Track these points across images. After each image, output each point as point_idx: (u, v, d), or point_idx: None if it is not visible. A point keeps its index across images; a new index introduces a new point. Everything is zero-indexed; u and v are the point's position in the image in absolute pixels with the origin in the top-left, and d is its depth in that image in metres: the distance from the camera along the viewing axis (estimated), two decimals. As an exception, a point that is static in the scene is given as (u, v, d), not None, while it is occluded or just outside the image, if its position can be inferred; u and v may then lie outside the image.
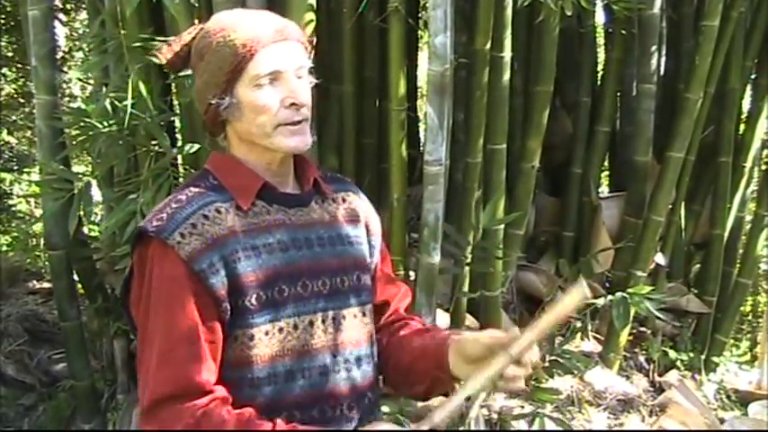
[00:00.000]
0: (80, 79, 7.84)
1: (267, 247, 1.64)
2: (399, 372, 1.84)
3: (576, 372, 3.78)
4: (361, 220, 1.84)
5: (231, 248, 1.60)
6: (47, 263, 6.35)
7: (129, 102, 2.90)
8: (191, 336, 1.56)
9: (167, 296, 1.57)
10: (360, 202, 1.86)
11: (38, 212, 8.23)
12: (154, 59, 3.08)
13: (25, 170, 7.83)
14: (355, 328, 1.75)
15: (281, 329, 1.63)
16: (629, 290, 3.22)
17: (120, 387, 4.16)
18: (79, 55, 8.23)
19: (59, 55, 6.26)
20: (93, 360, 4.27)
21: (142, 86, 2.94)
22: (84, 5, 6.23)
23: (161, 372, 1.56)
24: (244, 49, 1.61)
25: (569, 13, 3.21)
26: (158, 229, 1.58)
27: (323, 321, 1.69)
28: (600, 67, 5.21)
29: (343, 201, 1.83)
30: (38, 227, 7.90)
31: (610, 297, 3.20)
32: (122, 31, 3.01)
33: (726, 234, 4.93)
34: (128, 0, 3.03)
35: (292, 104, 1.63)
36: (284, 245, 1.67)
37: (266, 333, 1.62)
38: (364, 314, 1.79)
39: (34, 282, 6.19)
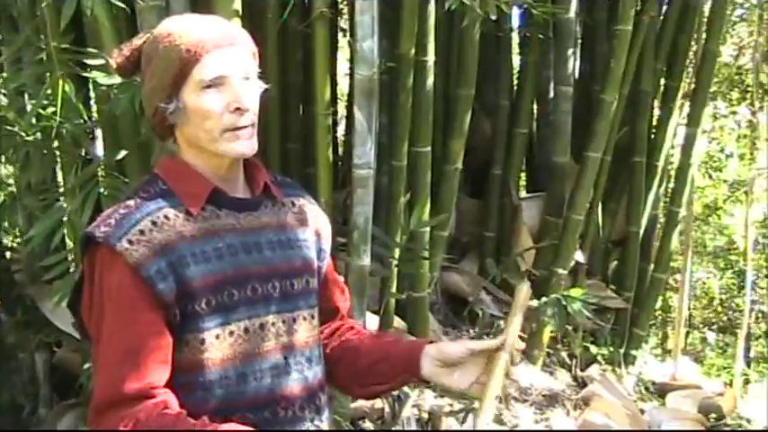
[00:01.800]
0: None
1: (217, 251, 1.63)
2: (352, 373, 1.86)
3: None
4: (310, 225, 1.84)
5: (180, 254, 1.59)
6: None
7: (57, 109, 2.84)
8: (135, 343, 1.54)
9: (115, 303, 1.56)
10: (310, 207, 1.86)
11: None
12: (77, 68, 3.07)
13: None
14: (305, 331, 1.75)
15: (231, 333, 1.63)
16: (563, 292, 3.28)
17: (43, 401, 4.07)
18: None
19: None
20: (13, 375, 4.16)
21: (71, 94, 2.87)
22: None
23: (102, 379, 1.55)
24: (188, 53, 1.60)
25: (494, 18, 3.26)
26: (106, 236, 1.56)
27: (273, 324, 1.69)
28: (516, 70, 5.31)
29: (293, 205, 1.82)
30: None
31: (544, 299, 3.26)
32: (51, 41, 2.94)
33: (641, 231, 5.08)
34: (50, 8, 2.97)
35: (237, 109, 1.62)
36: (234, 249, 1.66)
37: (217, 337, 1.61)
38: (313, 317, 1.79)
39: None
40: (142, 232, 1.57)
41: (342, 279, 2.03)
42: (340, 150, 5.45)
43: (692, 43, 5.06)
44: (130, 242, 1.55)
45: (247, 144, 1.65)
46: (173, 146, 1.73)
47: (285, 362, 1.70)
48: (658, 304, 6.70)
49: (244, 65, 1.65)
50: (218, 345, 1.61)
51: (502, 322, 4.26)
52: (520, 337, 3.31)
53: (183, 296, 1.58)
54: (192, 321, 1.59)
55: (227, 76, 1.62)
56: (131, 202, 1.62)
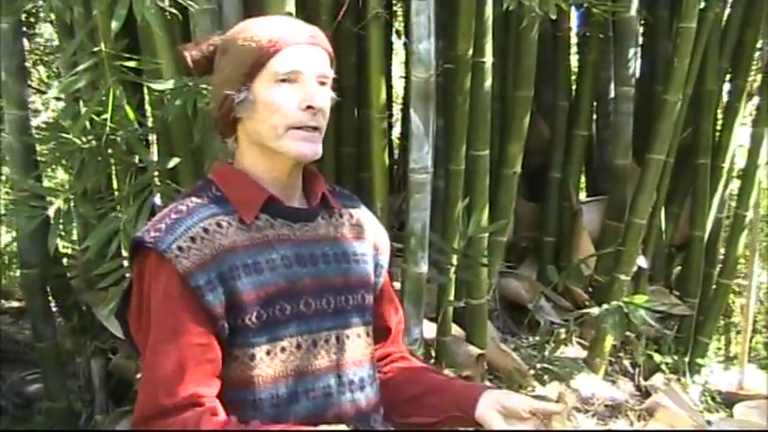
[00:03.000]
0: (40, 91, 7.72)
1: (270, 263, 1.58)
2: (396, 400, 1.79)
3: (565, 378, 3.74)
4: (367, 238, 1.78)
5: (230, 264, 1.53)
6: (13, 281, 6.23)
7: (108, 116, 2.81)
8: (182, 353, 1.49)
9: (162, 311, 1.51)
10: (368, 219, 1.80)
11: (3, 229, 8.06)
12: (130, 74, 3.04)
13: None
14: (359, 349, 1.69)
15: (282, 349, 1.57)
16: (624, 299, 3.17)
17: (99, 407, 4.05)
18: (42, 69, 8.11)
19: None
20: (69, 380, 4.16)
21: (123, 99, 2.84)
22: (49, 19, 6.11)
23: (147, 390, 1.51)
24: (269, 43, 1.57)
25: (554, 17, 3.17)
26: (155, 241, 1.51)
27: (326, 341, 1.63)
28: (574, 70, 5.19)
29: (351, 217, 1.77)
30: (2, 243, 7.74)
31: (605, 307, 3.16)
32: (103, 47, 2.91)
33: (706, 235, 4.93)
34: (103, 14, 2.94)
35: (309, 107, 1.57)
36: (287, 261, 1.60)
37: (267, 353, 1.55)
38: (368, 334, 1.73)
39: (2, 301, 6.04)
40: (193, 239, 1.52)
41: (397, 299, 1.95)
42: (395, 153, 5.38)
43: (759, 40, 4.87)
44: (180, 249, 1.50)
45: (310, 147, 1.59)
46: (233, 145, 1.67)
47: (338, 381, 1.63)
48: (720, 308, 6.52)
49: (321, 66, 1.61)
50: (268, 361, 1.55)
51: (563, 331, 4.17)
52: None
53: (232, 309, 1.53)
54: (241, 335, 1.54)
55: (302, 73, 1.57)
56: (183, 207, 1.57)
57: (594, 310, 3.25)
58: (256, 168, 1.63)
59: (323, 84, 1.61)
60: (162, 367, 1.49)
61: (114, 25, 2.73)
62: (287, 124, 1.57)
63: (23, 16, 5.92)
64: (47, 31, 7.65)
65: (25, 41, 7.00)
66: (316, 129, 1.59)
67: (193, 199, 1.60)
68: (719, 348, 6.90)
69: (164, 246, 1.50)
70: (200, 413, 1.48)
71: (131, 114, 2.92)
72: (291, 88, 1.57)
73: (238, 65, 1.58)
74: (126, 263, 3.02)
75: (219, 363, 1.53)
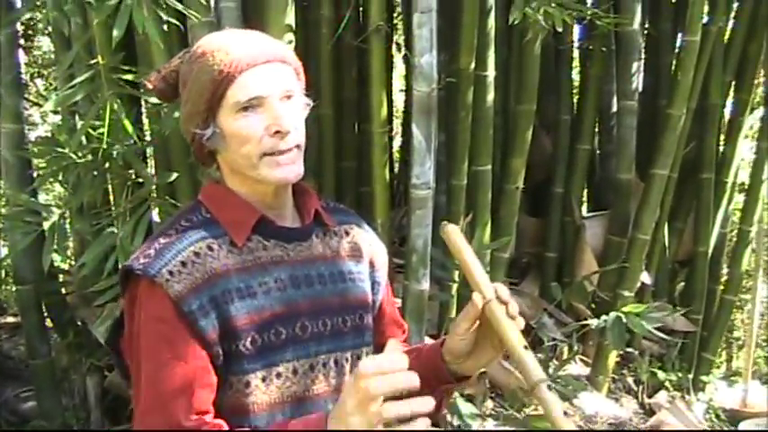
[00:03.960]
0: (37, 104, 7.68)
1: (263, 286, 1.51)
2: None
3: (569, 396, 3.68)
4: (364, 255, 1.70)
5: (223, 288, 1.47)
6: (8, 296, 6.17)
7: (105, 130, 2.76)
8: (185, 375, 1.42)
9: (156, 338, 1.44)
10: (364, 235, 1.73)
11: (-1, 243, 8.01)
12: (127, 87, 3.00)
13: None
14: None
15: (278, 375, 1.50)
16: (624, 309, 3.12)
17: (94, 424, 4.00)
18: (39, 82, 8.08)
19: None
20: (64, 397, 4.10)
21: (121, 113, 2.79)
22: (46, 32, 6.08)
23: (148, 418, 1.43)
24: (221, 74, 1.47)
25: (559, 30, 3.13)
26: (145, 267, 1.44)
27: (324, 365, 1.56)
28: (576, 84, 5.15)
29: (347, 234, 1.69)
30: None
31: (604, 318, 3.10)
32: (101, 59, 2.86)
33: (710, 251, 4.88)
34: (101, 25, 2.90)
35: (277, 132, 1.48)
36: (282, 284, 1.53)
37: (263, 379, 1.49)
38: (368, 355, 1.65)
39: (-3, 316, 5.98)
40: (184, 264, 1.45)
41: (399, 316, 1.87)
42: (395, 168, 5.34)
43: (762, 54, 4.83)
44: (171, 273, 1.43)
45: (290, 169, 1.51)
46: (215, 173, 1.60)
47: None
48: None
49: (283, 83, 1.51)
50: (264, 388, 1.49)
51: (565, 348, 4.11)
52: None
53: (226, 334, 1.46)
54: (235, 362, 1.47)
55: (264, 97, 1.48)
56: (172, 232, 1.50)
57: (594, 322, 3.18)
58: (243, 192, 1.56)
59: (289, 98, 1.52)
60: (160, 396, 1.42)
61: (116, 34, 2.69)
62: (259, 153, 1.49)
63: (21, 29, 5.90)
64: (45, 43, 7.62)
65: (23, 54, 6.98)
66: (290, 149, 1.52)
67: (182, 222, 1.53)
68: (721, 363, 6.84)
69: (153, 271, 1.43)
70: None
71: (129, 128, 2.87)
72: (256, 115, 1.48)
73: (197, 100, 1.50)
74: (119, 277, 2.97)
75: (215, 390, 1.47)
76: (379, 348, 1.70)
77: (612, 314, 3.22)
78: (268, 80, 1.49)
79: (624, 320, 3.17)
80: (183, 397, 1.42)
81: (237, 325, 1.46)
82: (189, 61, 1.54)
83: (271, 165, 1.50)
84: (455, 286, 3.63)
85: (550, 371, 3.37)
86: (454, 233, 1.54)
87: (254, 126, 1.48)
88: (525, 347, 1.44)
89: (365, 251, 1.71)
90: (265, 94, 1.48)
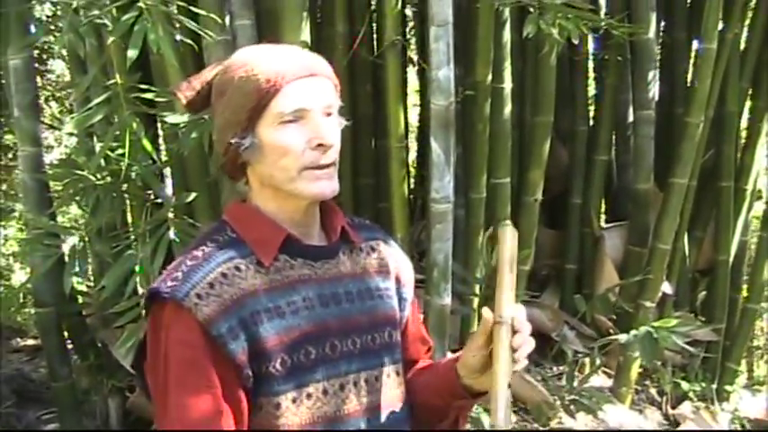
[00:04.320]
0: (53, 127, 7.71)
1: (292, 305, 1.49)
2: (417, 416, 1.69)
3: (594, 409, 3.64)
4: (391, 271, 1.69)
5: (252, 310, 1.45)
6: (27, 319, 6.18)
7: (125, 151, 2.76)
8: (208, 407, 1.41)
9: (183, 364, 1.42)
10: (390, 251, 1.71)
11: (16, 266, 8.03)
12: (144, 107, 3.00)
13: (1, 223, 7.63)
14: (389, 390, 1.60)
15: (309, 396, 1.48)
16: (654, 324, 3.08)
17: (116, 447, 3.99)
18: (54, 105, 8.11)
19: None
20: (86, 419, 4.09)
21: (139, 133, 2.79)
22: (60, 55, 6.11)
23: None
24: (267, 84, 1.46)
25: (576, 41, 3.11)
26: (173, 290, 1.42)
27: (355, 384, 1.54)
28: (591, 94, 5.13)
29: (373, 250, 1.68)
30: (16, 281, 7.70)
31: (633, 332, 3.06)
32: (117, 80, 2.86)
33: (731, 259, 4.83)
34: (117, 45, 2.90)
35: (319, 145, 1.48)
36: (310, 303, 1.52)
37: (293, 401, 1.47)
38: (398, 373, 1.64)
39: (17, 339, 5.98)
40: (212, 285, 1.43)
41: (425, 331, 1.85)
42: (411, 183, 5.32)
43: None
44: (199, 296, 1.41)
45: (328, 185, 1.50)
46: (243, 187, 1.59)
47: (369, 425, 1.54)
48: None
49: (326, 98, 1.50)
50: (294, 409, 1.46)
51: (587, 360, 4.07)
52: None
53: (255, 356, 1.44)
54: (265, 384, 1.45)
55: (308, 110, 1.47)
56: (199, 253, 1.48)
57: (622, 337, 3.14)
58: (271, 208, 1.55)
59: (329, 114, 1.52)
60: (195, 417, 1.40)
61: (130, 54, 2.68)
62: (299, 166, 1.48)
63: (36, 52, 5.94)
64: (59, 66, 7.66)
65: (37, 77, 7.01)
66: (329, 165, 1.51)
67: (208, 243, 1.51)
68: (741, 372, 6.78)
69: (181, 294, 1.42)
70: None
71: (149, 147, 2.87)
72: (298, 128, 1.48)
73: (237, 109, 1.49)
74: (143, 301, 2.96)
75: (246, 414, 1.45)
76: (405, 365, 1.69)
77: (643, 329, 3.18)
78: (312, 93, 1.49)
79: (655, 335, 3.14)
80: (212, 424, 1.40)
81: (267, 346, 1.44)
82: (228, 70, 1.53)
83: (310, 179, 1.49)
84: (476, 300, 3.60)
85: (574, 384, 3.32)
86: (513, 236, 1.53)
87: (296, 139, 1.47)
88: (509, 386, 1.44)
89: (392, 267, 1.69)
90: (309, 107, 1.48)
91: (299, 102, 1.47)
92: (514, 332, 1.47)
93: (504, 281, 1.50)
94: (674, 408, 4.48)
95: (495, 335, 1.47)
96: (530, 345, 1.49)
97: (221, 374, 1.42)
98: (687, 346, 3.38)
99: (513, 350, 1.46)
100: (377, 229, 1.75)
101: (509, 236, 1.53)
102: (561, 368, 4.17)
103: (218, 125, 1.54)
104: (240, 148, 1.49)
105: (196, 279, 1.44)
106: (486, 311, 1.50)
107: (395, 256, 1.71)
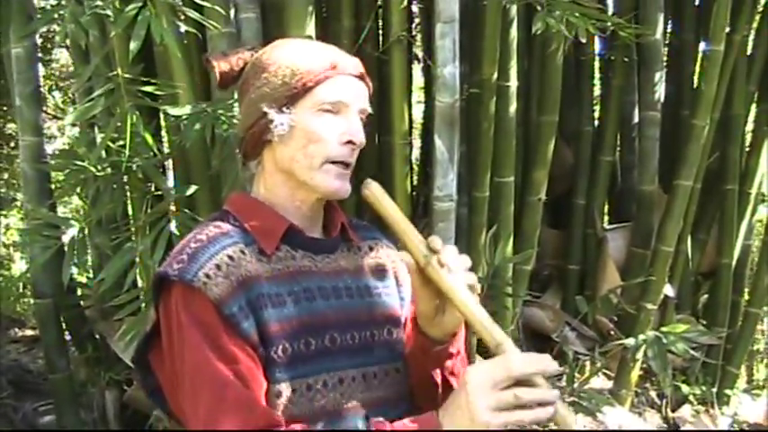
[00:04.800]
0: (56, 117, 7.69)
1: (292, 295, 1.48)
2: (416, 400, 1.65)
3: (594, 411, 3.62)
4: (389, 271, 1.68)
5: (258, 293, 1.44)
6: (26, 309, 6.16)
7: (126, 143, 2.73)
8: (237, 382, 1.39)
9: (203, 343, 1.40)
10: (388, 252, 1.71)
11: (17, 256, 8.01)
12: (147, 99, 2.97)
13: (2, 213, 7.62)
14: (388, 387, 1.58)
15: (309, 387, 1.47)
16: (663, 329, 3.05)
17: (113, 440, 3.97)
18: (57, 95, 8.09)
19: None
20: (83, 412, 4.07)
21: (140, 126, 2.76)
22: (63, 44, 6.08)
23: (225, 415, 1.37)
24: (320, 68, 1.49)
25: (584, 41, 3.08)
26: (181, 272, 1.41)
27: (353, 379, 1.53)
28: (597, 95, 5.11)
29: (371, 249, 1.68)
30: (16, 271, 7.69)
31: (642, 337, 3.03)
32: (120, 72, 2.84)
33: (733, 263, 4.81)
34: (120, 37, 2.88)
35: (349, 142, 1.50)
36: (311, 294, 1.51)
37: (293, 390, 1.45)
38: (398, 371, 1.62)
39: (15, 329, 5.96)
40: (218, 267, 1.42)
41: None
42: (414, 180, 5.29)
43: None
44: (208, 276, 1.40)
45: (343, 185, 1.53)
46: (256, 167, 1.58)
47: (366, 422, 1.52)
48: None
49: (364, 101, 1.55)
50: (295, 399, 1.45)
51: (587, 361, 4.05)
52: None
53: (261, 339, 1.43)
54: (268, 370, 1.43)
55: (348, 105, 1.50)
56: (203, 237, 1.48)
57: (630, 341, 3.12)
58: (277, 196, 1.55)
59: (362, 117, 1.54)
60: (225, 396, 1.38)
61: (133, 46, 2.66)
62: (325, 157, 1.49)
63: (39, 41, 5.91)
64: (63, 56, 7.64)
65: (41, 67, 6.99)
66: (348, 165, 1.52)
67: (212, 228, 1.51)
68: (742, 375, 6.76)
69: (190, 275, 1.41)
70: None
71: (150, 140, 2.84)
72: (334, 119, 1.50)
73: (281, 85, 1.50)
74: (142, 294, 2.94)
75: (265, 390, 1.43)
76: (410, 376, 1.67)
77: (651, 333, 3.15)
78: (356, 91, 1.53)
79: (664, 340, 3.11)
80: (246, 390, 1.39)
81: (270, 331, 1.43)
82: (276, 48, 1.56)
83: (330, 173, 1.50)
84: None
85: (574, 385, 3.30)
86: (378, 191, 1.53)
87: (331, 129, 1.49)
88: (478, 306, 1.43)
89: (390, 267, 1.69)
90: (350, 103, 1.51)
91: (343, 95, 1.50)
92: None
93: (403, 229, 1.50)
94: (673, 411, 4.46)
95: (431, 276, 1.46)
96: (466, 262, 1.47)
97: (240, 352, 1.40)
98: (694, 353, 3.33)
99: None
100: (374, 230, 1.74)
101: (379, 190, 1.53)
102: (561, 369, 4.14)
103: (252, 99, 1.53)
104: (272, 123, 1.50)
105: (203, 260, 1.43)
106: (404, 255, 1.49)
107: (392, 257, 1.70)
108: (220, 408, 1.38)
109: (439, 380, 1.60)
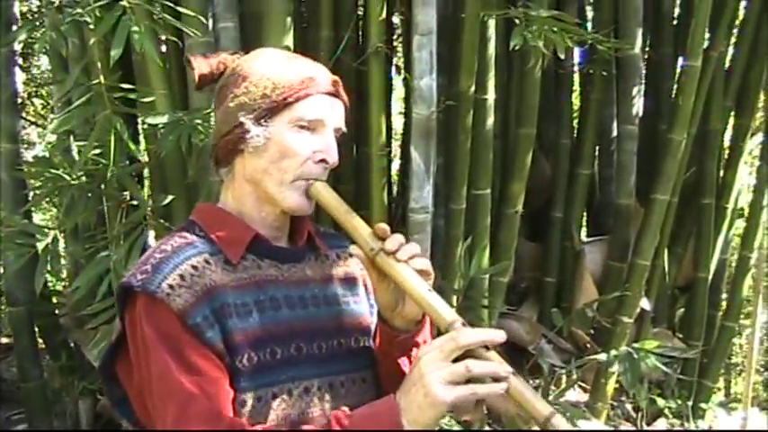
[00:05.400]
0: (36, 124, 7.65)
1: (258, 304, 1.48)
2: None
3: (570, 425, 3.62)
4: (359, 279, 1.68)
5: (222, 302, 1.44)
6: (2, 316, 6.11)
7: (106, 151, 2.72)
8: (204, 384, 1.38)
9: (166, 354, 1.39)
10: (357, 260, 1.69)
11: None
12: (124, 107, 2.96)
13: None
14: (354, 396, 1.57)
15: (274, 396, 1.46)
16: (635, 345, 3.06)
17: (86, 450, 3.94)
18: (38, 102, 8.06)
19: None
20: (56, 421, 4.04)
21: (123, 134, 2.76)
22: (44, 51, 6.06)
23: (191, 425, 1.37)
24: (300, 85, 1.49)
25: (562, 56, 3.10)
26: (144, 283, 1.41)
27: (319, 389, 1.52)
28: (576, 108, 5.13)
29: (338, 258, 1.67)
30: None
31: (614, 352, 3.04)
32: (100, 80, 2.83)
33: (710, 277, 4.84)
34: (99, 44, 2.87)
35: (322, 161, 1.50)
36: (276, 303, 1.51)
37: (258, 399, 1.45)
38: (364, 380, 1.61)
39: (-11, 337, 5.92)
40: (182, 277, 1.42)
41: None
42: (393, 191, 5.30)
43: (763, 79, 4.80)
44: (171, 287, 1.40)
45: (307, 202, 1.52)
46: (225, 176, 1.58)
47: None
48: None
49: (340, 119, 1.54)
50: (259, 408, 1.44)
51: (564, 374, 4.06)
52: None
53: (227, 348, 1.42)
54: (233, 379, 1.43)
55: (325, 124, 1.51)
56: (168, 247, 1.48)
57: (602, 356, 3.12)
58: (244, 205, 1.55)
59: (336, 136, 1.55)
60: (191, 405, 1.37)
61: (113, 53, 2.65)
62: (297, 173, 1.49)
63: (19, 47, 5.88)
64: (44, 61, 7.61)
65: (21, 73, 6.96)
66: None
67: (177, 239, 1.51)
68: (719, 389, 6.79)
69: (153, 287, 1.40)
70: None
71: (132, 147, 2.84)
72: (310, 137, 1.50)
73: (260, 97, 1.50)
74: (116, 303, 2.93)
75: (231, 400, 1.42)
76: (379, 371, 1.66)
77: (623, 349, 3.16)
78: (333, 110, 1.52)
79: (635, 356, 3.11)
80: (214, 405, 1.38)
81: (235, 340, 1.43)
82: (256, 61, 1.55)
83: (299, 190, 1.50)
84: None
85: (550, 398, 3.30)
86: (325, 189, 1.52)
87: (306, 146, 1.49)
88: (429, 290, 1.43)
89: (359, 275, 1.69)
90: (327, 121, 1.51)
91: (321, 113, 1.50)
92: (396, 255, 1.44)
93: (351, 222, 1.49)
94: (648, 424, 4.48)
95: (381, 266, 1.46)
96: (413, 248, 1.47)
97: (205, 362, 1.40)
98: (664, 368, 3.34)
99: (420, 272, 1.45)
100: (342, 239, 1.72)
101: (324, 189, 1.52)
102: (537, 381, 4.15)
103: (230, 107, 1.53)
104: (247, 133, 1.50)
105: (167, 271, 1.43)
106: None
107: (360, 265, 1.69)
108: (186, 418, 1.37)
109: (407, 369, 1.59)
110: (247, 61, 1.56)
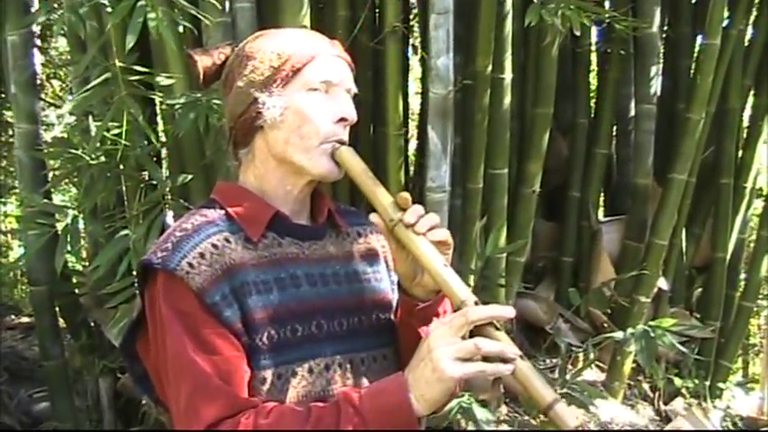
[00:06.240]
0: (54, 105, 7.68)
1: (279, 282, 1.49)
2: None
3: (585, 403, 3.63)
4: (380, 256, 1.69)
5: (242, 280, 1.45)
6: (24, 296, 6.17)
7: (122, 131, 2.74)
8: (220, 363, 1.40)
9: (183, 332, 1.41)
10: (377, 237, 1.70)
11: (14, 243, 8.02)
12: (142, 88, 2.98)
13: (0, 200, 7.62)
14: (376, 373, 1.57)
15: (294, 373, 1.47)
16: (651, 323, 3.06)
17: (107, 426, 4.00)
18: (56, 83, 8.07)
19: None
20: (77, 399, 4.08)
21: (139, 115, 2.77)
22: (62, 32, 6.08)
23: (204, 404, 1.39)
24: (303, 50, 1.51)
25: (578, 33, 3.08)
26: (164, 260, 1.42)
27: (339, 366, 1.53)
28: (593, 87, 5.10)
29: (359, 235, 1.68)
30: (13, 258, 7.70)
31: (630, 331, 3.04)
32: (117, 61, 2.84)
33: (728, 257, 4.81)
34: (117, 27, 2.88)
35: (341, 120, 1.51)
36: (297, 281, 1.51)
37: (278, 377, 1.46)
38: (385, 357, 1.62)
39: (12, 316, 5.98)
40: (202, 255, 1.43)
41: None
42: (410, 171, 5.30)
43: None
44: (191, 265, 1.41)
45: (334, 166, 1.53)
46: (244, 157, 1.58)
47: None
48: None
49: (351, 80, 1.56)
50: (279, 386, 1.45)
51: (581, 354, 4.06)
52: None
53: (245, 327, 1.43)
54: (252, 357, 1.44)
55: (335, 84, 1.52)
56: (188, 225, 1.49)
57: (619, 335, 3.12)
58: (267, 183, 1.56)
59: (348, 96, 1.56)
60: (208, 384, 1.39)
61: (129, 38, 2.67)
62: (320, 136, 1.50)
63: (38, 29, 5.90)
64: (62, 43, 7.61)
65: (39, 54, 6.98)
66: (342, 144, 1.53)
67: (198, 217, 1.52)
68: (737, 369, 6.77)
69: (173, 264, 1.41)
70: (260, 409, 1.40)
71: (147, 129, 2.85)
72: (324, 98, 1.51)
73: (269, 69, 1.51)
74: (135, 282, 2.95)
75: (248, 379, 1.44)
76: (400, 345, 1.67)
77: (639, 327, 3.15)
78: (341, 71, 1.54)
79: (651, 334, 3.10)
80: (228, 377, 1.40)
81: (255, 319, 1.44)
82: (258, 39, 1.57)
83: (326, 154, 1.51)
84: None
85: (567, 377, 3.31)
86: (350, 154, 1.53)
87: (323, 108, 1.50)
88: (445, 265, 1.44)
89: (380, 252, 1.69)
90: (337, 81, 1.52)
91: (329, 74, 1.52)
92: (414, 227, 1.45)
93: (373, 190, 1.51)
94: (666, 404, 4.47)
95: (400, 238, 1.47)
96: (432, 220, 1.48)
97: (222, 341, 1.41)
98: (681, 347, 3.33)
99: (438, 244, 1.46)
100: (362, 216, 1.72)
101: (350, 154, 1.53)
102: (554, 361, 4.16)
103: (240, 87, 1.54)
104: (264, 106, 1.51)
105: (186, 249, 1.44)
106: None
107: (382, 242, 1.70)
108: (200, 397, 1.39)
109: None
110: (248, 42, 1.58)
